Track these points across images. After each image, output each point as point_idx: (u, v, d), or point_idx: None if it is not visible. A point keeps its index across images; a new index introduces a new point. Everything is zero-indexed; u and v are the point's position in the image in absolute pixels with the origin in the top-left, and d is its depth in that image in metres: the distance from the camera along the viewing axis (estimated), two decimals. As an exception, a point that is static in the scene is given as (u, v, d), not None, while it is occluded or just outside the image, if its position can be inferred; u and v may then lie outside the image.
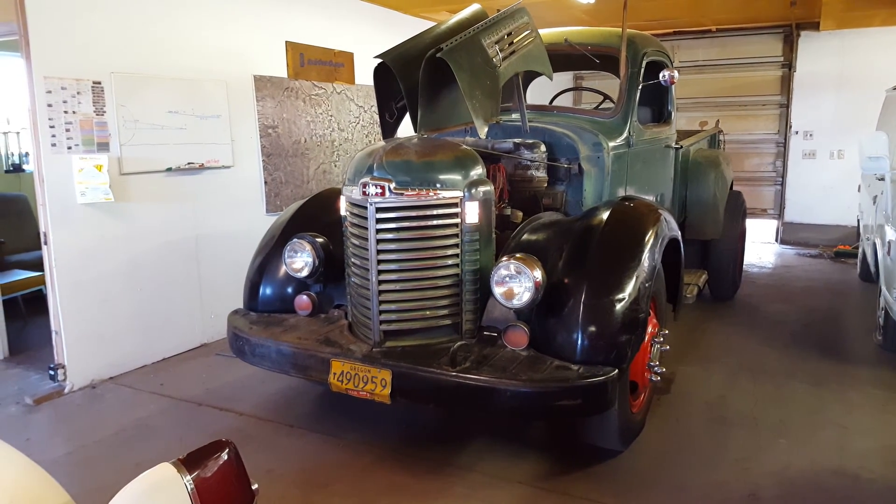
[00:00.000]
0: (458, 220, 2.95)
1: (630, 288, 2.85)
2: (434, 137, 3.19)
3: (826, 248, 8.30)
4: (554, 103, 4.99)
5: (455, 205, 2.93)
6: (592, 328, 2.74)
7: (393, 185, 2.87)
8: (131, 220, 4.49)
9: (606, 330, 2.75)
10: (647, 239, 3.11)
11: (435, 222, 2.92)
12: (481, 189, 2.98)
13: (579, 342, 2.73)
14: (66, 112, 4.03)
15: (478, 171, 3.03)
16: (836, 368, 4.32)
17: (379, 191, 2.87)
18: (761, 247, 8.72)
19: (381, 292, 2.95)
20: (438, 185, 2.90)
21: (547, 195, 3.79)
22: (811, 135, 8.75)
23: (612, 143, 3.90)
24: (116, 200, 4.30)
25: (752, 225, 6.65)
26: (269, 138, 5.45)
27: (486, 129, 3.09)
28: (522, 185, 3.66)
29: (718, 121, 7.57)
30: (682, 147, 5.05)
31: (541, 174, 3.67)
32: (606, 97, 4.83)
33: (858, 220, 6.83)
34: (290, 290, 3.51)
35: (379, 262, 2.93)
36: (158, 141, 4.64)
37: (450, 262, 2.97)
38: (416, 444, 3.35)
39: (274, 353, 3.14)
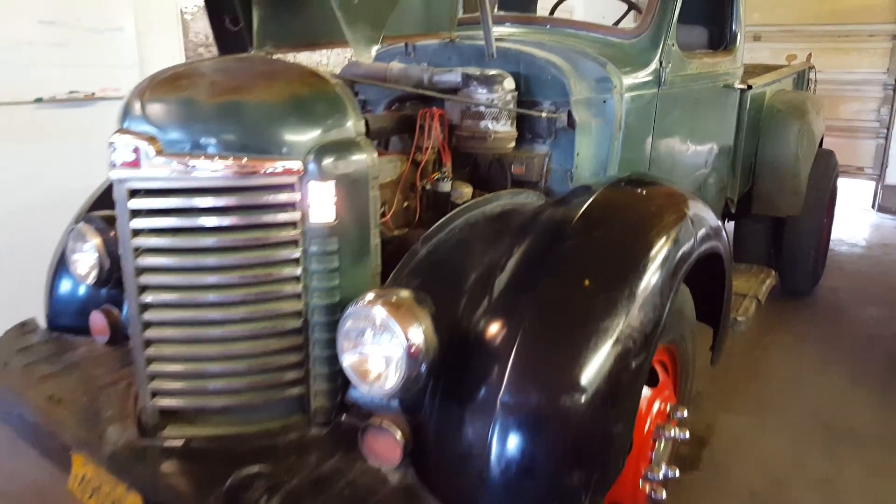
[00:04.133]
0: (294, 217, 1.59)
1: (603, 354, 1.49)
2: (275, 59, 1.80)
3: (940, 222, 6.50)
4: (556, 14, 3.44)
5: (287, 188, 1.58)
6: (516, 452, 1.40)
7: (157, 148, 1.52)
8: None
9: (544, 456, 1.40)
10: (650, 256, 1.71)
11: (247, 220, 1.58)
12: (343, 159, 1.61)
13: (489, 480, 1.39)
14: None
15: (341, 123, 1.64)
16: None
17: (130, 157, 1.53)
18: (853, 216, 6.93)
19: (149, 342, 1.66)
20: (251, 150, 1.54)
21: (518, 160, 2.37)
22: (931, 75, 6.80)
23: (629, 79, 2.42)
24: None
25: (843, 187, 4.96)
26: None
27: (370, 53, 1.70)
28: (473, 143, 2.25)
29: (810, 55, 5.79)
30: (750, 87, 3.46)
31: (504, 127, 2.25)
32: (633, 6, 3.27)
33: None
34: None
35: (142, 288, 1.62)
36: (23, 61, 3.39)
37: (286, 289, 1.64)
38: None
39: (16, 416, 1.92)
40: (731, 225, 4.08)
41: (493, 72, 2.22)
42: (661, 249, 1.73)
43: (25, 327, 2.36)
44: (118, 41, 3.74)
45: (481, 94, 2.20)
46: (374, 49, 1.70)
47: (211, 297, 1.60)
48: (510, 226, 1.90)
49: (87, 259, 2.09)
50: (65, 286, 2.37)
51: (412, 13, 2.24)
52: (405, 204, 2.16)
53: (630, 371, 1.51)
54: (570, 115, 2.27)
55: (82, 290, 2.32)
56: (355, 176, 1.63)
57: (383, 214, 2.06)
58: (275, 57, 1.77)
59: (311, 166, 1.57)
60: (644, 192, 2.04)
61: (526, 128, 2.36)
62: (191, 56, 4.04)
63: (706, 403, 3.02)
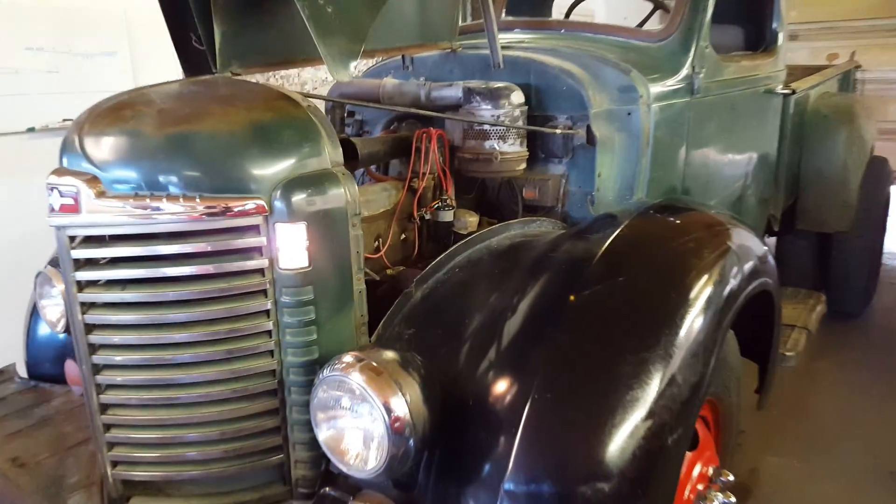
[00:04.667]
0: (260, 264, 1.36)
1: (633, 429, 1.22)
2: (237, 81, 1.57)
3: None
4: (573, 17, 3.17)
5: (251, 231, 1.35)
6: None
7: (99, 189, 1.30)
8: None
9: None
10: (689, 302, 1.44)
11: (206, 268, 1.35)
12: (317, 195, 1.37)
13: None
14: None
15: (313, 152, 1.40)
16: None
17: (69, 200, 1.31)
18: (904, 224, 6.47)
19: (105, 406, 1.44)
20: (206, 188, 1.31)
21: (530, 184, 2.12)
22: None
23: (656, 88, 2.14)
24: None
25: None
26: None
27: (348, 71, 1.46)
28: (477, 166, 2.00)
29: (854, 53, 5.41)
30: (794, 92, 3.14)
31: (513, 147, 1.99)
32: (660, 5, 2.99)
33: None
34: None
35: (93, 347, 1.40)
36: (12, 90, 3.25)
37: (257, 345, 1.40)
38: None
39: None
40: (772, 240, 3.76)
41: (498, 84, 1.97)
42: (702, 293, 1.46)
43: (3, 375, 2.18)
44: (112, 66, 3.58)
45: (485, 110, 1.95)
46: (353, 65, 1.46)
47: (171, 356, 1.38)
48: (521, 263, 1.65)
49: (54, 306, 1.89)
50: (42, 331, 2.20)
51: (407, 22, 2.01)
52: (402, 236, 1.92)
53: (666, 449, 1.24)
54: (588, 130, 2.01)
55: (61, 336, 2.13)
56: (332, 213, 1.39)
57: (377, 249, 1.82)
58: (240, 78, 1.54)
59: (278, 204, 1.33)
60: (679, 222, 1.77)
61: (539, 146, 2.10)
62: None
63: (748, 444, 2.70)
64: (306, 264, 1.37)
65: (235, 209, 1.32)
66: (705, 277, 1.49)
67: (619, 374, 1.28)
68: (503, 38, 2.27)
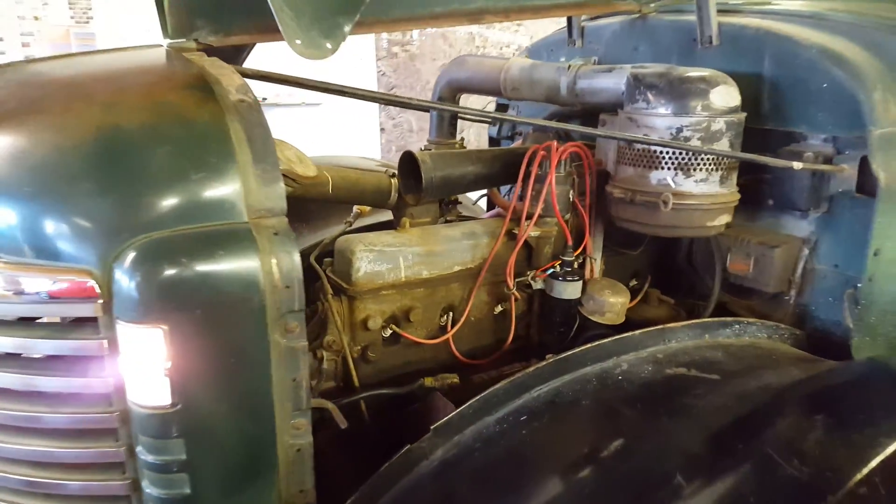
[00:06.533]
0: (101, 385, 0.75)
1: None
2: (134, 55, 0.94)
3: None
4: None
5: (86, 326, 0.74)
6: None
7: None
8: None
9: None
10: None
11: (23, 379, 0.77)
12: (204, 270, 0.71)
13: None
14: None
15: (205, 189, 0.74)
16: None
17: None
18: None
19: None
20: (10, 247, 0.73)
21: (740, 249, 1.21)
22: None
23: None
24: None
25: None
26: (395, 60, 3.51)
27: (324, 50, 0.77)
28: (633, 212, 1.16)
29: None
30: None
31: (706, 186, 1.11)
32: None
33: None
34: None
35: None
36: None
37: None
38: None
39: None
40: None
41: (693, 72, 1.10)
42: None
43: None
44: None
45: (658, 115, 1.10)
46: (330, 46, 0.77)
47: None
48: (691, 439, 0.82)
49: None
50: None
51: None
52: (498, 308, 1.19)
53: None
54: (865, 166, 1.05)
55: None
56: (234, 309, 0.73)
57: (443, 328, 1.12)
58: (198, 52, 0.91)
59: (121, 286, 0.71)
60: None
61: (764, 186, 1.18)
62: (382, 54, 3.41)
63: None
64: (167, 401, 0.73)
65: (52, 287, 0.72)
66: None
67: None
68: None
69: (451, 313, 1.18)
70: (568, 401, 0.91)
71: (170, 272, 0.70)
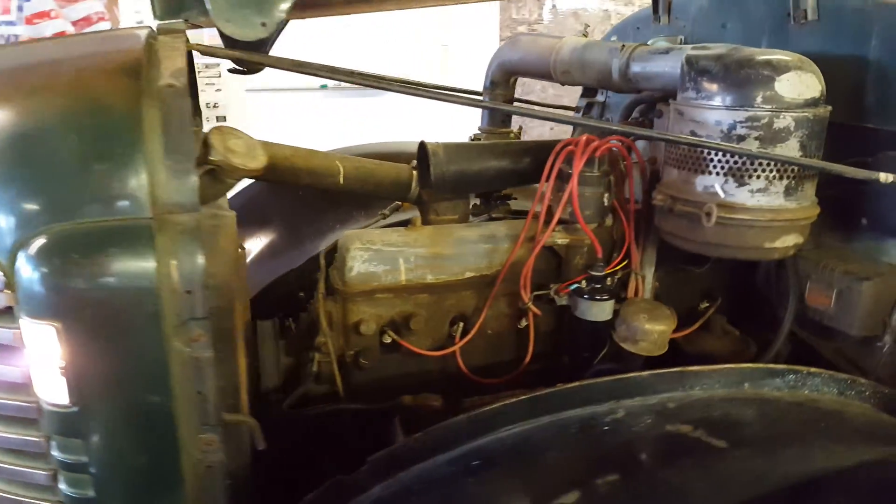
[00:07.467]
0: (17, 374, 0.74)
1: None
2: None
3: None
4: None
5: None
6: None
7: None
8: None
9: None
10: None
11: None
12: (96, 268, 0.67)
13: None
14: None
15: (107, 182, 0.69)
16: None
17: None
18: None
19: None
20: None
21: (821, 279, 0.97)
22: None
23: None
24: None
25: None
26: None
27: (257, 30, 0.69)
28: (674, 225, 0.96)
29: None
30: None
31: (766, 198, 0.89)
32: None
33: None
34: None
35: None
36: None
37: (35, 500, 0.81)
38: None
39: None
40: None
41: (761, 55, 0.88)
42: None
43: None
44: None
45: (711, 107, 0.89)
46: (265, 25, 0.69)
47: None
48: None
49: None
50: None
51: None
52: (522, 322, 1.05)
53: None
54: None
55: None
56: (129, 311, 0.68)
57: (450, 337, 1.02)
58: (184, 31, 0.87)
59: (23, 281, 0.68)
60: None
61: (853, 201, 0.93)
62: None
63: None
64: (65, 401, 0.69)
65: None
66: None
67: None
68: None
69: (461, 324, 1.06)
70: (534, 449, 0.76)
71: (61, 268, 0.67)
